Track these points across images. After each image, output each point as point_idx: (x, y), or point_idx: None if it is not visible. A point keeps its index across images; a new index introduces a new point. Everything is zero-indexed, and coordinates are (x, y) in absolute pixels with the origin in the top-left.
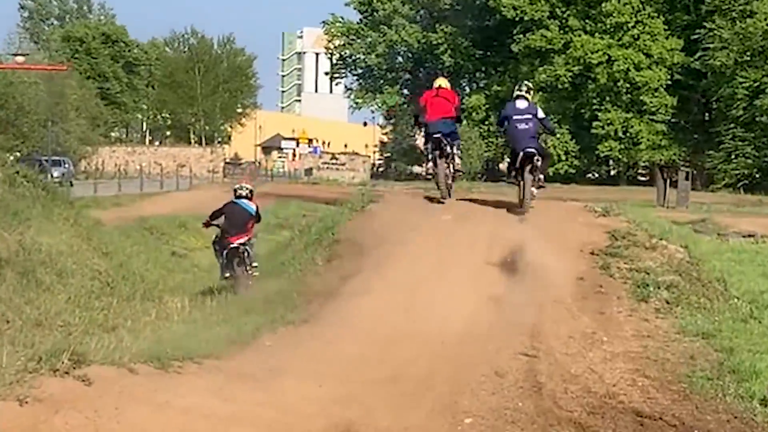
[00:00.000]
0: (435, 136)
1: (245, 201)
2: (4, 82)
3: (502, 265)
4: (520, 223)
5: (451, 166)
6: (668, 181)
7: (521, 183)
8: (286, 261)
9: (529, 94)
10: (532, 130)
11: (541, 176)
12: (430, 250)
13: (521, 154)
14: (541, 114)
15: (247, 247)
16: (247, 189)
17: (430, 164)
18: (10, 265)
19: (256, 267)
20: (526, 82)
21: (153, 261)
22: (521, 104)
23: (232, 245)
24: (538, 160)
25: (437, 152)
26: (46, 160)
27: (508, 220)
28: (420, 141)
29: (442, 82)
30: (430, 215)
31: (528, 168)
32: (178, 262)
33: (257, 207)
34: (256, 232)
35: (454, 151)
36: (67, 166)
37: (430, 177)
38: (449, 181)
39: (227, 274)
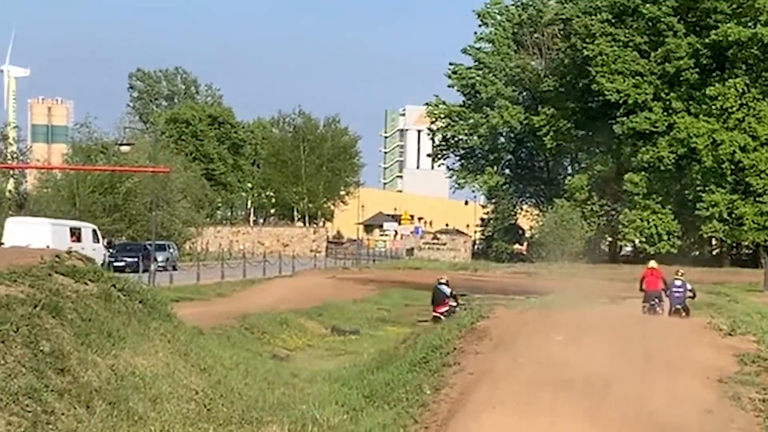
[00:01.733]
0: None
1: (444, 286)
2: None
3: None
4: (642, 345)
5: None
6: None
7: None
8: (391, 381)
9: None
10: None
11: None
12: (542, 386)
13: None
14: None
15: (445, 314)
16: (445, 279)
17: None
18: (101, 394)
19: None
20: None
21: (252, 373)
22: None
23: (435, 314)
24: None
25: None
26: (151, 245)
27: (629, 343)
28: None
29: (653, 263)
30: (542, 334)
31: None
32: (278, 370)
33: (451, 290)
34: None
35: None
36: (171, 251)
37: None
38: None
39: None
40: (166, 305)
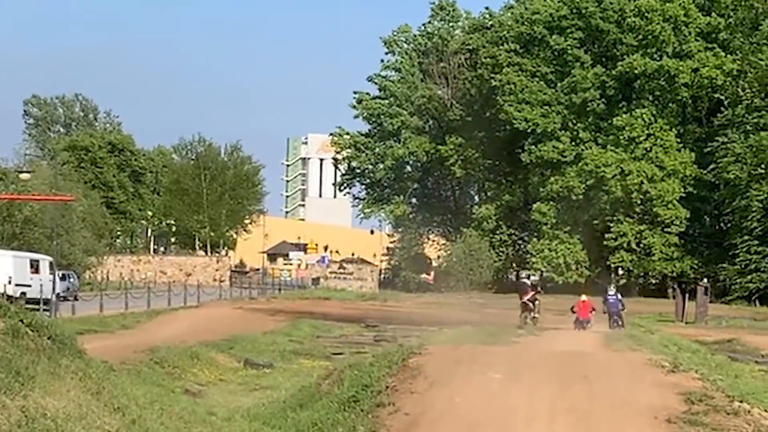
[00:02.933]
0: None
1: (526, 279)
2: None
3: None
4: (584, 384)
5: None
6: (687, 295)
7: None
8: (320, 421)
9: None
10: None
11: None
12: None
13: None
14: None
15: (530, 300)
16: (525, 274)
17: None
18: None
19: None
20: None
21: (168, 411)
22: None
23: (522, 302)
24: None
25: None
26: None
27: (570, 381)
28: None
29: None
30: (479, 373)
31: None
32: (194, 408)
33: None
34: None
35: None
36: (72, 280)
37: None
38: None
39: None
40: (75, 340)
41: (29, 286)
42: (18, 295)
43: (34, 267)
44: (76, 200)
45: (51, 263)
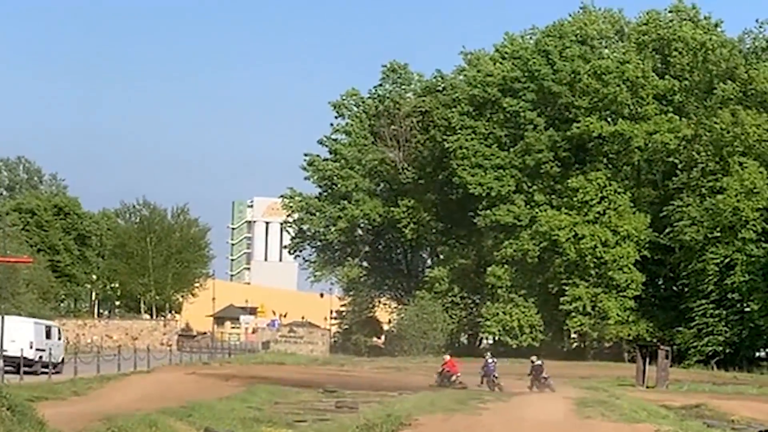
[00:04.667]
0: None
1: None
2: None
3: None
4: None
5: None
6: (647, 359)
7: None
8: None
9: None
10: None
11: None
12: None
13: None
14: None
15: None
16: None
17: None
18: None
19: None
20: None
21: None
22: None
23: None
24: None
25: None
26: None
27: None
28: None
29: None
30: None
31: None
32: None
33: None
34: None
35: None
36: None
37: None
38: None
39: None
40: (34, 410)
41: (44, 350)
42: (37, 358)
43: (48, 333)
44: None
45: (59, 329)
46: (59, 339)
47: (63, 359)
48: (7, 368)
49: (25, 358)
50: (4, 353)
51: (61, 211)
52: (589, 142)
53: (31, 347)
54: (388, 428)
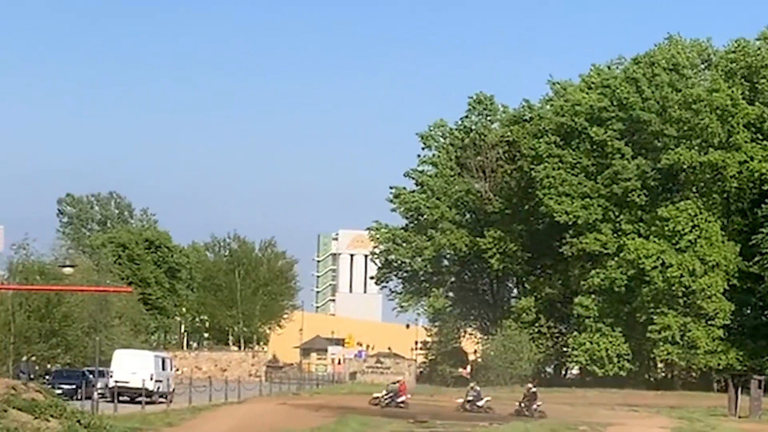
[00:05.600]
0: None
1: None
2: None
3: None
4: None
5: None
6: (738, 388)
7: None
8: None
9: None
10: None
11: None
12: None
13: None
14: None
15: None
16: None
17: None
18: None
19: None
20: None
21: None
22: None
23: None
24: None
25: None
26: (91, 372)
27: None
28: None
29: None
30: None
31: None
32: None
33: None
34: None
35: None
36: (111, 377)
37: None
38: None
39: None
40: None
41: (161, 381)
42: (156, 389)
43: (163, 365)
44: (113, 296)
45: (171, 361)
46: (171, 370)
47: (174, 389)
48: (122, 398)
49: (146, 389)
50: (125, 384)
51: (152, 245)
52: (680, 171)
53: (151, 378)
54: None
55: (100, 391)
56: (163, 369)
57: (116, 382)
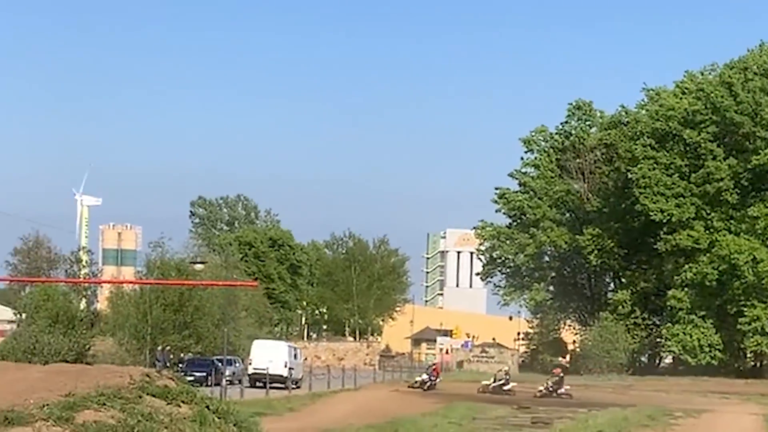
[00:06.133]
0: None
1: None
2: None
3: None
4: None
5: None
6: None
7: None
8: None
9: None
10: None
11: None
12: None
13: None
14: None
15: None
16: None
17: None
18: None
19: None
20: None
21: None
22: None
23: None
24: None
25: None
26: (220, 360)
27: None
28: None
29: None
30: None
31: None
32: None
33: None
34: None
35: None
36: (237, 365)
37: None
38: None
39: None
40: (259, 427)
41: (293, 369)
42: (289, 375)
43: (295, 354)
44: (240, 290)
45: (300, 351)
46: (300, 359)
47: (302, 376)
48: (258, 384)
49: (280, 375)
50: (263, 371)
51: (276, 243)
52: None
53: (285, 366)
54: None
55: (228, 378)
56: (295, 358)
57: (255, 369)
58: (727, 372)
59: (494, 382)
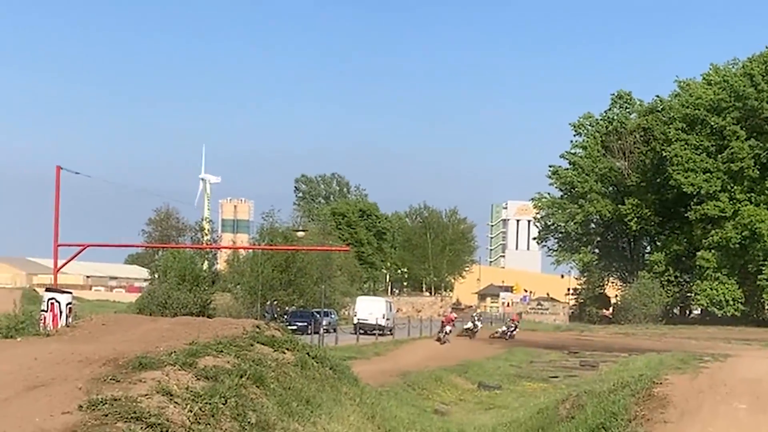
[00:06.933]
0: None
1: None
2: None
3: None
4: None
5: None
6: None
7: None
8: None
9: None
10: None
11: None
12: None
13: None
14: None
15: None
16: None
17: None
18: None
19: None
20: None
21: (426, 431)
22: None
23: None
24: None
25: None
26: (318, 312)
27: None
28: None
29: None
30: (724, 403)
31: None
32: (448, 427)
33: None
34: None
35: None
36: (333, 316)
37: None
38: None
39: None
40: (350, 370)
41: (389, 320)
42: (386, 325)
43: (390, 307)
44: (335, 253)
45: (392, 304)
46: (394, 312)
47: (394, 326)
48: (361, 332)
49: (379, 325)
50: (365, 321)
51: (364, 214)
52: None
53: (383, 317)
54: (643, 386)
55: (324, 328)
56: (390, 311)
57: (359, 319)
58: (748, 322)
59: (503, 330)
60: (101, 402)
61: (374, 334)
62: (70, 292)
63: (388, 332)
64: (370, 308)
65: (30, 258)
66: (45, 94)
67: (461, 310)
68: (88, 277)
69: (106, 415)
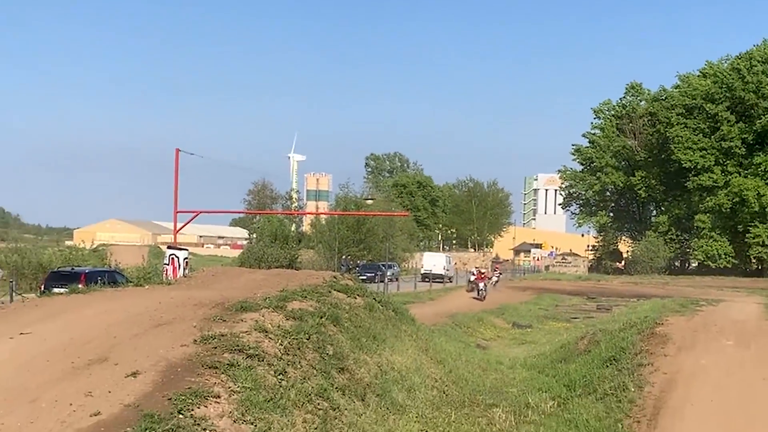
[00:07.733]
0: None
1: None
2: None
3: None
4: None
5: None
6: None
7: None
8: (587, 374)
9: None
10: None
11: None
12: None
13: None
14: None
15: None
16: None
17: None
18: (371, 388)
19: None
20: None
21: (471, 361)
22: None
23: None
24: None
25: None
26: (383, 265)
27: None
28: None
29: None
30: (714, 340)
31: None
32: (487, 358)
33: None
34: None
35: None
36: (395, 268)
37: None
38: None
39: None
40: (409, 312)
41: (448, 271)
42: (445, 275)
43: (449, 261)
44: (398, 218)
45: (451, 258)
46: (452, 264)
47: (452, 276)
48: (426, 281)
49: (441, 275)
50: (429, 272)
51: (421, 185)
52: None
53: (444, 269)
54: (647, 325)
55: (389, 277)
56: (449, 263)
57: (424, 271)
58: (738, 273)
59: (470, 282)
60: (211, 337)
61: (438, 282)
62: (187, 249)
63: (448, 280)
64: (433, 261)
65: (155, 221)
66: (170, 86)
67: (500, 264)
68: (200, 236)
69: (215, 348)
